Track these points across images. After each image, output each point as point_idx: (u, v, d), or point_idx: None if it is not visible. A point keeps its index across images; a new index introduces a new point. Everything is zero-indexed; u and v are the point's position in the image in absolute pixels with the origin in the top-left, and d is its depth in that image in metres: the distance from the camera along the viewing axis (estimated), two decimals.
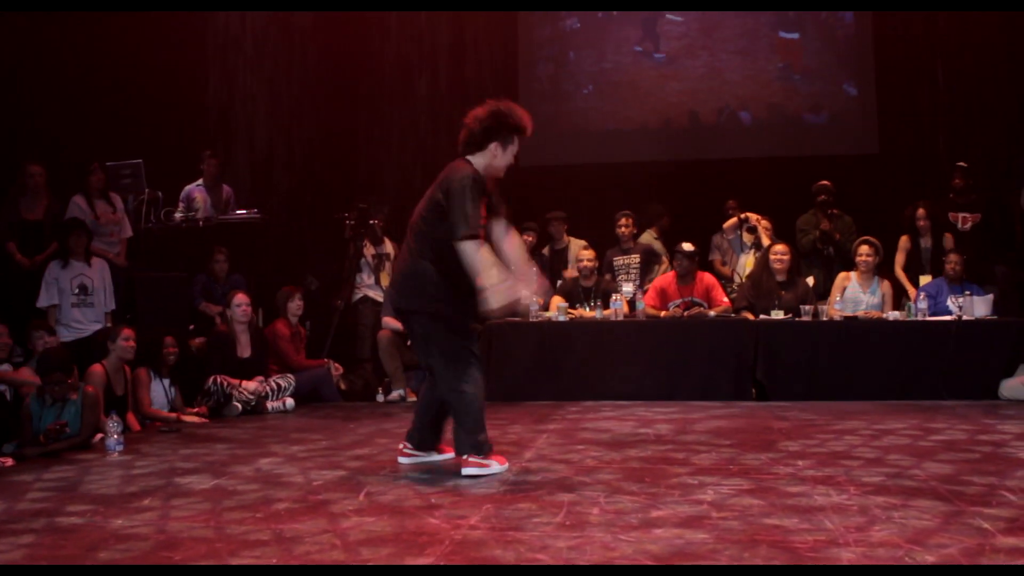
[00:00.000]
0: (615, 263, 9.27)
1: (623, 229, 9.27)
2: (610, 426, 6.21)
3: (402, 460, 5.05)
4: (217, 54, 10.88)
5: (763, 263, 8.33)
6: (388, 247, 9.23)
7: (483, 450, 4.66)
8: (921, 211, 8.68)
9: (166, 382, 7.07)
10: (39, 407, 5.91)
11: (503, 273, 4.47)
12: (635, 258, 9.31)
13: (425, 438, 5.06)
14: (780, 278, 8.19)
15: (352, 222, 9.07)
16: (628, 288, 8.63)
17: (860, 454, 4.99)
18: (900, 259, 8.75)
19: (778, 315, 7.84)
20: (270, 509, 4.04)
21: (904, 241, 8.76)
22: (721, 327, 7.80)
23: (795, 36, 11.37)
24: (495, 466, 4.66)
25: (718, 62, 11.58)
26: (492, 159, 4.69)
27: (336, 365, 8.27)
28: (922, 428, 5.84)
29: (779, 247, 8.26)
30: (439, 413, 5.00)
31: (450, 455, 5.02)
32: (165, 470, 5.06)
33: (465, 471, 4.62)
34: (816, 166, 10.11)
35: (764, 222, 9.15)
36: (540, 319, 8.11)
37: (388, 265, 9.07)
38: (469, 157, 4.69)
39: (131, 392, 6.75)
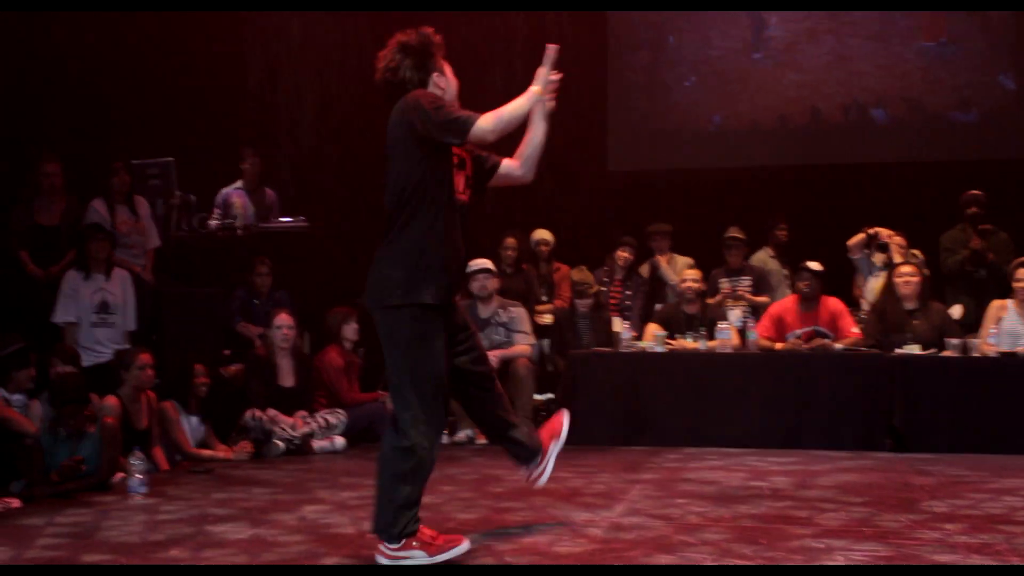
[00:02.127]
0: (721, 286, 9.18)
1: (732, 254, 9.19)
2: (716, 477, 6.13)
3: (541, 483, 4.67)
4: (258, 40, 11.01)
5: (888, 290, 8.17)
6: None
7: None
8: None
9: (194, 419, 7.14)
10: (52, 441, 5.99)
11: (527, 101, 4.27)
12: (745, 281, 9.21)
13: (523, 451, 4.66)
14: (909, 305, 8.02)
15: None
16: (736, 314, 8.52)
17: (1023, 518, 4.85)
18: None
19: (912, 349, 7.68)
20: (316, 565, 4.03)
21: None
22: (850, 362, 7.65)
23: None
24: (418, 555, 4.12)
25: (846, 49, 11.43)
26: (442, 92, 4.34)
27: None
28: None
29: (905, 268, 8.10)
30: (508, 421, 4.62)
31: (563, 424, 4.73)
32: (195, 516, 5.09)
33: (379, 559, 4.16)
34: (965, 173, 9.90)
35: (897, 239, 8.96)
36: (633, 350, 8.04)
37: None
38: None
39: (158, 427, 6.82)
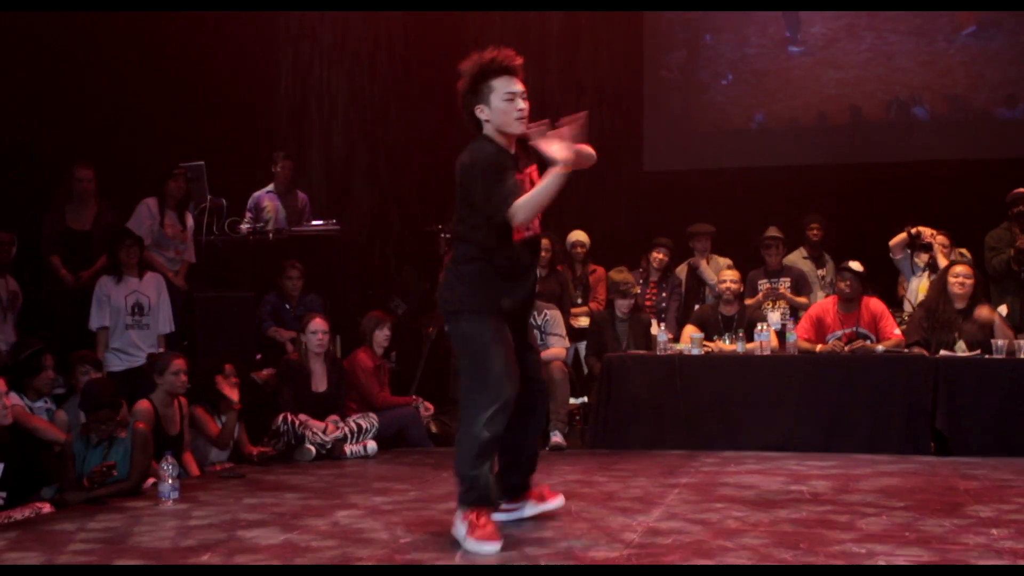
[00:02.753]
0: (760, 287, 9.13)
1: (771, 254, 9.13)
2: (755, 481, 6.08)
3: (497, 517, 4.76)
4: (290, 43, 11.05)
5: (939, 288, 8.09)
6: None
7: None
8: None
9: (224, 419, 7.17)
10: (83, 447, 6.02)
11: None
12: (784, 282, 9.15)
13: (515, 483, 4.93)
14: (960, 305, 7.93)
15: (447, 235, 9.08)
16: (776, 317, 8.47)
17: None
18: None
19: (960, 351, 7.60)
20: None
21: None
22: (892, 365, 7.59)
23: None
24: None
25: (886, 45, 11.34)
26: (487, 123, 4.56)
27: (426, 404, 8.27)
28: None
29: (960, 268, 8.01)
30: (525, 452, 4.91)
31: (554, 503, 4.97)
32: (227, 522, 5.11)
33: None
34: (1010, 171, 9.81)
35: (940, 238, 8.89)
36: (670, 352, 8.01)
37: None
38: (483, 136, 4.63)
39: (189, 433, 6.86)
